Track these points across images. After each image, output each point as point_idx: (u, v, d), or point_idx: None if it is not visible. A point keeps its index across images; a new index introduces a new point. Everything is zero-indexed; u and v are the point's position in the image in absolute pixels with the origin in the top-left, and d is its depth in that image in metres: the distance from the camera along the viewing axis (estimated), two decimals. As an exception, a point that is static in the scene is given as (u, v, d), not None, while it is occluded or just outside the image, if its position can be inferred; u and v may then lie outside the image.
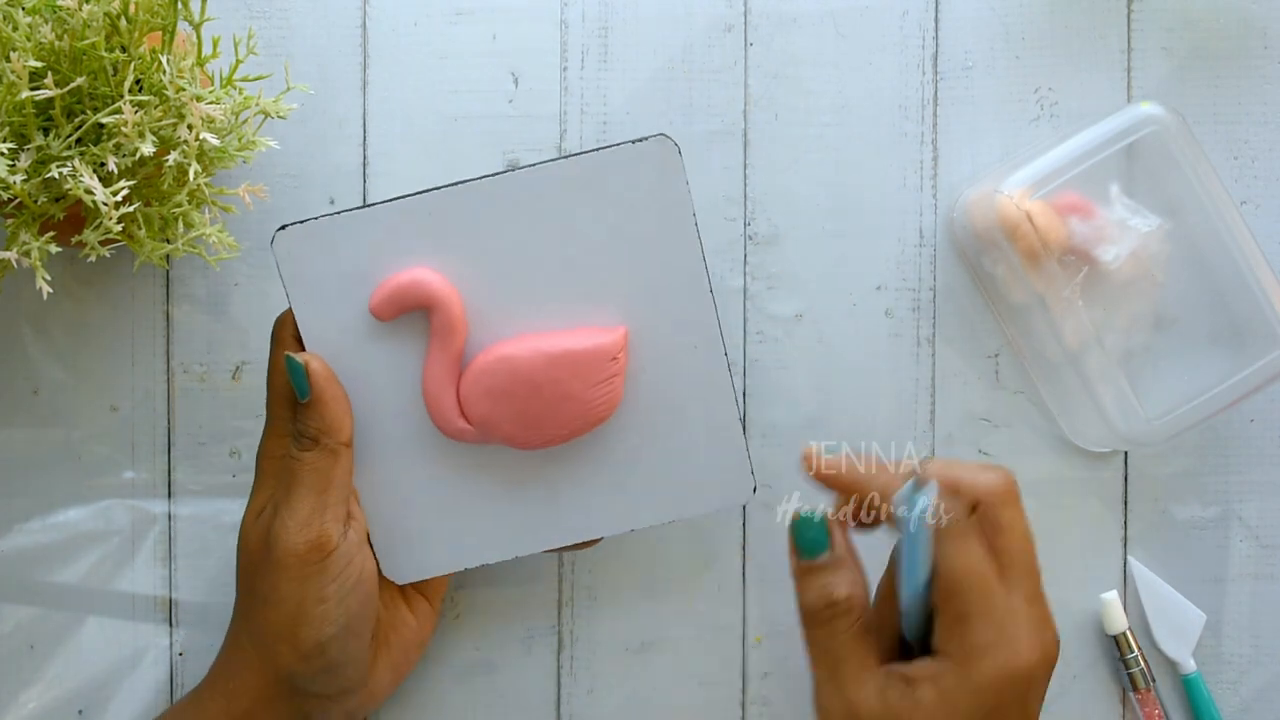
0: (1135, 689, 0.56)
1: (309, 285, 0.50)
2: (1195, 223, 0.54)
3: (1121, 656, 0.57)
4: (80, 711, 0.57)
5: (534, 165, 0.49)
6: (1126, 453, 0.58)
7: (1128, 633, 0.56)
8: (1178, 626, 0.57)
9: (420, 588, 0.54)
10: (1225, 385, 0.53)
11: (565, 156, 0.49)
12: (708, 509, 0.52)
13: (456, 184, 0.49)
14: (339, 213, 0.49)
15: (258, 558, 0.49)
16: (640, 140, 0.49)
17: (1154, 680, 0.57)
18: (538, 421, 0.49)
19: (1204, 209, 0.53)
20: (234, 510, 0.58)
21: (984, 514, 0.45)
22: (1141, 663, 0.56)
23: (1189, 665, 0.57)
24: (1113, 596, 0.57)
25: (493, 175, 0.49)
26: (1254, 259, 0.53)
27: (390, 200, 0.49)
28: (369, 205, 0.49)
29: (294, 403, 0.49)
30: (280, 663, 0.49)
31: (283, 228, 0.49)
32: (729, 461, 0.51)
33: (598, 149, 0.49)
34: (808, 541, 0.47)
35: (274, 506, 0.49)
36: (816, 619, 0.47)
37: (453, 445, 0.51)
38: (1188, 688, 0.57)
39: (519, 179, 0.49)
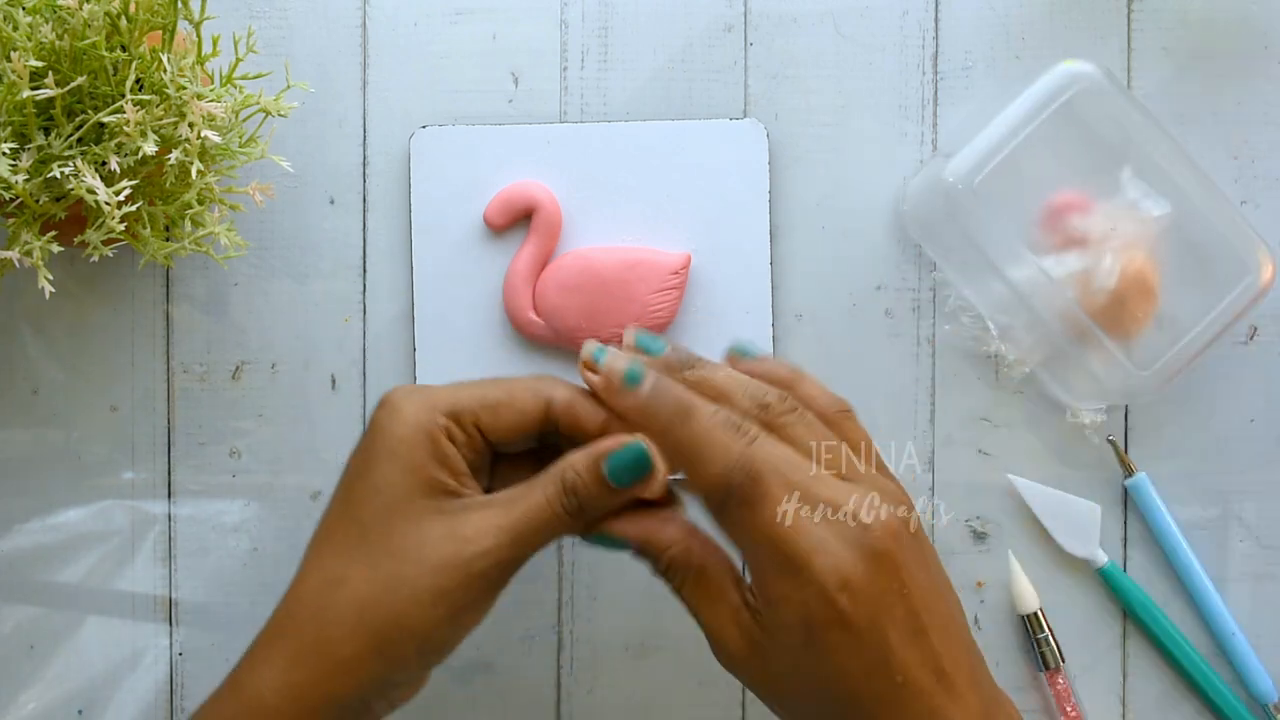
0: (1045, 668, 0.57)
1: (432, 186, 0.57)
2: (1142, 176, 0.54)
3: (1033, 637, 0.57)
4: (80, 711, 0.57)
5: (643, 121, 0.57)
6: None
7: (1039, 612, 0.57)
8: (1076, 525, 0.57)
9: None
10: (1203, 323, 0.53)
11: (671, 120, 0.57)
12: None
13: (575, 124, 0.57)
14: (473, 125, 0.57)
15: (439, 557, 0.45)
16: (735, 119, 0.57)
17: (1063, 660, 0.57)
18: (601, 316, 0.55)
19: (1148, 158, 0.53)
20: (233, 510, 0.58)
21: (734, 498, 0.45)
22: (1052, 642, 0.57)
23: (1100, 558, 0.57)
24: (1021, 577, 0.57)
25: (605, 122, 0.57)
26: (1209, 191, 0.53)
27: (516, 124, 0.57)
28: (498, 125, 0.57)
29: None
30: (394, 654, 0.44)
31: (423, 127, 0.56)
32: None
33: (699, 119, 0.57)
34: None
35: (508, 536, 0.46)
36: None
37: (519, 348, 0.57)
38: (1106, 579, 0.57)
39: (627, 129, 0.57)
